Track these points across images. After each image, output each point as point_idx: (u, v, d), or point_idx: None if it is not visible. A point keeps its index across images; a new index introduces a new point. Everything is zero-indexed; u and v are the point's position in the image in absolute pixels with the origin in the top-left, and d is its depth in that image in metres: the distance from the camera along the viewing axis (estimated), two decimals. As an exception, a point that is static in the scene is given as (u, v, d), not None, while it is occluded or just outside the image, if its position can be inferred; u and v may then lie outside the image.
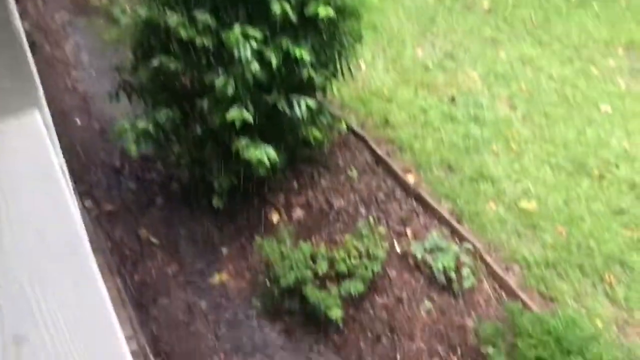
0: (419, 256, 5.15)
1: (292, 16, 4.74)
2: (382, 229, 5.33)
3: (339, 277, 4.97)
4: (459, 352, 4.65)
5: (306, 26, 4.97)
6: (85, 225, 1.38)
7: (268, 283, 5.02)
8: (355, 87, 7.21)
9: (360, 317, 4.93)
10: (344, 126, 5.86)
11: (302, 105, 4.93)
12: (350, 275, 4.93)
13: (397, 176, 6.04)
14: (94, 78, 7.77)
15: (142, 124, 5.25)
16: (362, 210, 5.74)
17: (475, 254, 5.15)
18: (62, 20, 8.53)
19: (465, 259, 5.09)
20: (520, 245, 5.24)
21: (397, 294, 5.02)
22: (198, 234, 5.73)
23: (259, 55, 4.67)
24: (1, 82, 1.44)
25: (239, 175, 5.46)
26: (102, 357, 1.12)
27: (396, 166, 6.11)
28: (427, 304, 4.93)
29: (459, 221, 5.52)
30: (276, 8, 4.62)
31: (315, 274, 4.92)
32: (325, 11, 4.81)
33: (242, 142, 4.89)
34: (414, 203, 5.79)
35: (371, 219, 5.54)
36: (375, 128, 6.65)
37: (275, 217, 5.68)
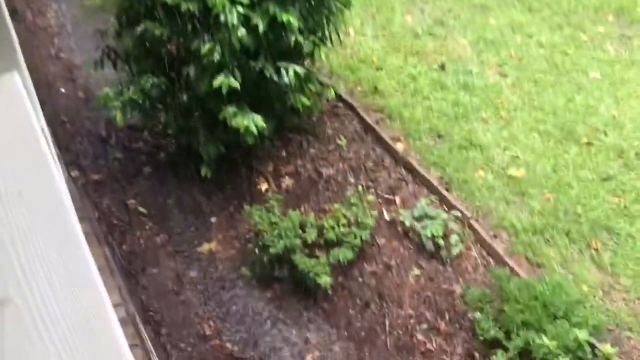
0: (407, 224, 5.16)
1: (279, -20, 4.65)
2: (371, 197, 5.33)
3: (328, 245, 4.98)
4: (447, 318, 4.69)
5: (293, -9, 4.89)
6: (72, 195, 1.35)
7: (257, 251, 5.02)
8: (344, 54, 7.14)
9: (349, 285, 4.96)
10: (333, 94, 5.80)
11: (289, 72, 4.87)
12: (339, 243, 4.94)
13: (386, 144, 6.02)
14: (78, 46, 7.63)
15: (128, 92, 5.17)
16: (351, 178, 5.73)
17: (464, 221, 5.17)
18: (44, -13, 8.34)
19: (453, 226, 5.11)
20: (508, 212, 5.26)
21: (385, 262, 5.04)
22: (186, 203, 5.71)
23: (246, 21, 4.59)
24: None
25: (226, 144, 5.42)
26: (89, 318, 1.10)
27: (385, 134, 6.09)
28: (416, 271, 4.96)
29: (448, 189, 5.53)
30: (263, -28, 4.53)
31: (305, 242, 4.92)
32: (313, -25, 4.73)
33: (229, 110, 4.84)
34: (403, 171, 5.78)
35: (360, 188, 5.54)
36: (364, 96, 6.60)
37: (264, 186, 5.66)
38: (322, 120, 6.32)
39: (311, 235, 4.92)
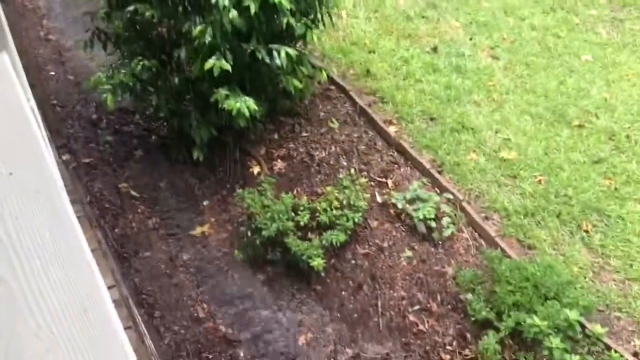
0: (399, 206, 5.18)
1: (271, -39, 4.60)
2: (363, 180, 5.34)
3: (320, 228, 4.99)
4: (439, 299, 4.73)
5: (285, -28, 4.84)
6: (63, 178, 1.34)
7: (250, 234, 5.03)
8: (336, 37, 7.11)
9: (342, 267, 4.98)
10: (325, 76, 5.78)
11: (281, 54, 4.84)
12: (331, 226, 4.95)
13: (378, 127, 6.02)
14: (68, 28, 7.55)
15: (118, 75, 5.13)
16: (344, 161, 5.73)
17: (456, 203, 5.20)
18: (32, -32, 8.22)
19: (445, 208, 5.13)
20: (499, 195, 5.29)
21: (378, 244, 5.06)
22: (178, 187, 5.70)
23: (237, 2, 4.54)
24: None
25: (218, 127, 5.40)
26: (82, 298, 1.10)
27: (378, 117, 6.09)
28: (408, 253, 4.98)
29: (440, 171, 5.54)
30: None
31: (297, 225, 4.93)
32: (305, -44, 4.68)
33: (221, 93, 4.81)
34: (395, 154, 5.79)
35: (352, 170, 5.55)
36: (357, 79, 6.59)
37: (256, 169, 5.65)
38: (314, 103, 6.30)
39: (304, 218, 4.93)
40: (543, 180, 5.40)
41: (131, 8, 4.88)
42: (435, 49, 6.96)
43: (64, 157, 5.66)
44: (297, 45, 5.56)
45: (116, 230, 5.27)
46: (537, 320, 4.06)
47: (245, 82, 5.14)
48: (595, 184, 5.35)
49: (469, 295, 4.59)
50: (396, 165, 5.70)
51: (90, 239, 4.22)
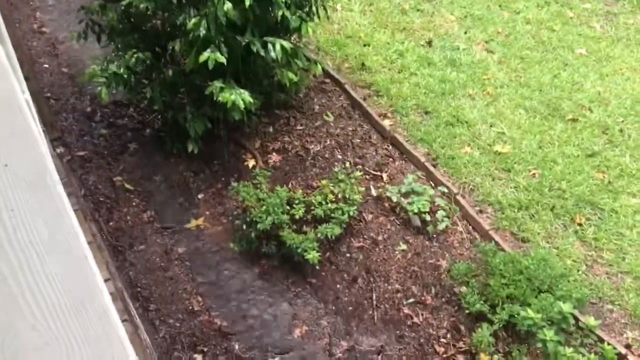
0: (394, 200, 5.19)
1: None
2: (358, 174, 5.34)
3: (315, 221, 5.00)
4: (433, 292, 4.75)
5: (280, -36, 4.82)
6: (57, 171, 1.34)
7: (245, 228, 5.03)
8: (331, 30, 7.09)
9: (337, 260, 4.99)
10: (320, 70, 5.77)
11: (276, 47, 4.83)
12: (326, 219, 4.96)
13: (373, 121, 6.02)
14: (61, 20, 7.51)
15: (112, 68, 5.11)
16: (339, 155, 5.73)
17: (450, 197, 5.21)
18: (24, -40, 8.16)
19: (440, 201, 5.15)
20: (494, 188, 5.30)
21: (373, 237, 5.07)
22: (173, 180, 5.69)
23: (232, -6, 4.52)
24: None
25: (213, 120, 5.39)
26: (78, 289, 1.10)
27: (372, 111, 6.09)
28: (403, 246, 5.00)
29: (435, 165, 5.55)
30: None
31: (292, 218, 4.93)
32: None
33: (216, 85, 4.79)
34: (390, 147, 5.80)
35: (347, 164, 5.55)
36: (352, 72, 6.58)
37: (251, 162, 5.64)
38: (309, 96, 6.29)
39: (299, 211, 4.93)
40: (537, 173, 5.42)
41: (125, 0, 4.85)
42: (430, 43, 6.96)
43: (58, 150, 5.64)
44: (292, 38, 5.55)
45: (111, 223, 5.26)
46: (530, 312, 4.08)
47: (240, 75, 5.12)
48: (588, 177, 5.37)
49: (463, 288, 4.62)
50: (391, 159, 5.70)
51: (85, 232, 4.21)
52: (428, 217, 5.04)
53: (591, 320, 4.18)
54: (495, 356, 4.21)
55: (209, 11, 4.51)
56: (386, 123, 5.94)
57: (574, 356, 3.94)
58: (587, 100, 6.18)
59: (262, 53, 4.85)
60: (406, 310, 4.66)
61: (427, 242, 5.02)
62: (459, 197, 5.22)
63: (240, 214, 5.18)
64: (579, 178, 5.34)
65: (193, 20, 4.57)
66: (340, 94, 6.36)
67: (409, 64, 6.63)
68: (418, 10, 7.54)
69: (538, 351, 4.15)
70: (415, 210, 5.03)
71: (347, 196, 5.03)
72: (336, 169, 5.39)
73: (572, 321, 4.14)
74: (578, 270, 4.69)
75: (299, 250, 4.72)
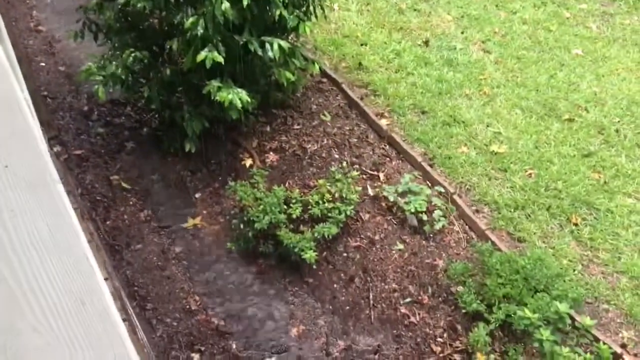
0: (391, 199, 5.19)
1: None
2: (355, 173, 5.35)
3: (312, 221, 5.01)
4: (430, 292, 4.76)
5: (278, -36, 4.83)
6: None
7: (242, 227, 5.03)
8: (328, 30, 7.10)
9: (334, 259, 5.00)
10: (317, 69, 5.77)
11: (274, 46, 4.83)
12: (323, 218, 4.97)
13: (370, 120, 6.03)
14: (58, 19, 7.49)
15: (110, 67, 5.10)
16: (336, 154, 5.74)
17: (447, 196, 5.22)
18: (21, -42, 8.13)
19: (436, 201, 5.16)
20: (490, 188, 5.32)
21: (369, 237, 5.08)
22: (170, 179, 5.68)
23: (230, -6, 4.52)
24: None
25: (211, 119, 5.39)
26: (80, 289, 1.10)
27: (369, 110, 6.09)
28: (399, 245, 5.01)
29: (431, 165, 5.57)
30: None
31: (289, 218, 4.94)
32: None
33: (213, 84, 4.79)
34: (387, 147, 5.81)
35: (344, 163, 5.56)
36: (349, 72, 6.59)
37: (248, 162, 5.65)
38: (306, 95, 6.30)
39: (296, 210, 4.94)
40: (533, 173, 5.44)
41: (123, -1, 4.85)
42: (427, 43, 6.97)
43: (55, 149, 5.63)
44: (290, 38, 5.55)
45: (108, 222, 5.26)
46: (527, 312, 4.10)
47: (237, 74, 5.13)
48: (584, 177, 5.39)
49: (460, 288, 4.63)
50: (388, 158, 5.71)
51: (82, 231, 4.21)
52: (425, 217, 5.05)
53: (587, 320, 4.19)
54: (492, 355, 4.23)
55: (207, 10, 4.51)
56: (383, 123, 5.95)
57: (570, 356, 3.96)
58: (583, 101, 6.20)
59: (260, 52, 4.85)
60: (403, 310, 4.67)
61: (423, 242, 5.03)
62: (455, 197, 5.23)
63: (238, 213, 5.19)
64: (575, 178, 5.37)
65: (191, 20, 4.57)
66: (337, 94, 6.37)
67: (406, 63, 6.64)
68: (415, 10, 7.55)
69: (534, 351, 4.17)
70: (412, 210, 5.04)
71: (344, 196, 5.04)
72: (333, 169, 5.39)
73: (568, 321, 4.16)
74: (574, 270, 4.71)
75: (296, 250, 4.73)
